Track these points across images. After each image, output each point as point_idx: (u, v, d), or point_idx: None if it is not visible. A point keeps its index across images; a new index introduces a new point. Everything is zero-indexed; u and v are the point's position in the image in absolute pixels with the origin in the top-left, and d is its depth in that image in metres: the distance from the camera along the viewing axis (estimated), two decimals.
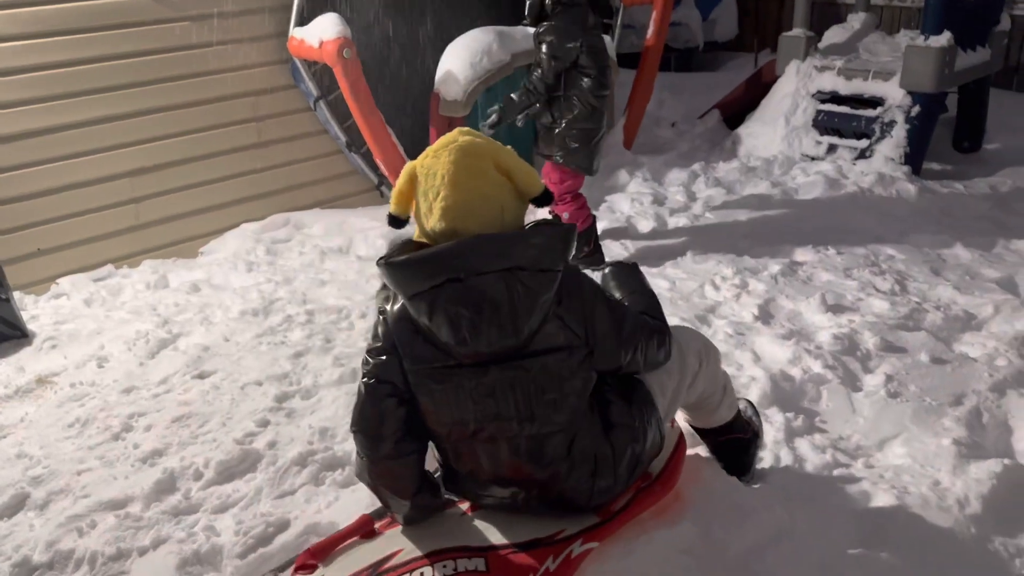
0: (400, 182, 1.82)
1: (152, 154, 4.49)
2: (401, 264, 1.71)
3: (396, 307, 1.80)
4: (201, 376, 3.18)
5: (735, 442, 2.29)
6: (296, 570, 1.92)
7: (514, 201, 1.79)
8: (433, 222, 1.74)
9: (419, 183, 1.78)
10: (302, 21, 4.66)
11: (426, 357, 1.77)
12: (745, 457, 2.31)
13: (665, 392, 1.99)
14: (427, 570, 1.82)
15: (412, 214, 1.85)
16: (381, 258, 1.75)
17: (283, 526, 2.28)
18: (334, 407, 2.86)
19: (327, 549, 1.95)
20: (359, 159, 5.06)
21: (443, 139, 1.80)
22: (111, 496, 2.46)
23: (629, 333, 1.86)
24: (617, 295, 2.01)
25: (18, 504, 2.48)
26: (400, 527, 2.00)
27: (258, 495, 2.42)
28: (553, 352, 1.76)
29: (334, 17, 4.41)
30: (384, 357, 1.81)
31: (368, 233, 4.59)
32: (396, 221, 1.86)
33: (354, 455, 1.94)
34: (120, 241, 4.44)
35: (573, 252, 1.79)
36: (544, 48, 3.77)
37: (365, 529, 2.00)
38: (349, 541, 1.98)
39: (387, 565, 1.87)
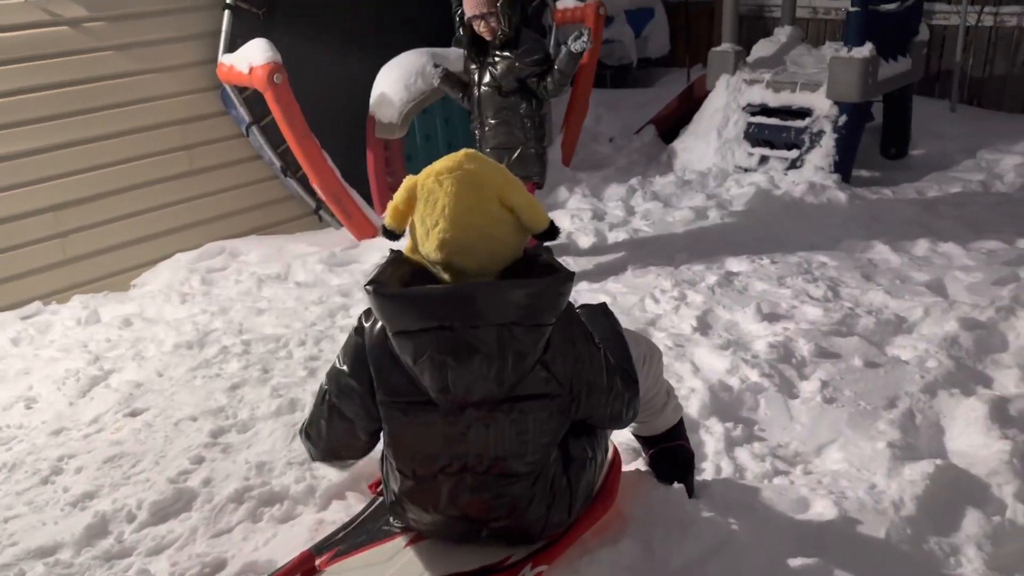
0: (398, 198, 1.75)
1: (78, 186, 4.38)
2: (392, 298, 1.65)
3: (376, 329, 1.74)
4: (133, 414, 3.09)
5: (681, 450, 2.29)
6: None
7: (515, 236, 1.73)
8: (429, 249, 1.69)
9: (418, 204, 1.71)
10: (231, 47, 4.60)
11: (400, 389, 1.72)
12: (690, 473, 2.30)
13: None
14: None
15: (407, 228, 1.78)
16: (369, 282, 1.68)
17: (220, 566, 2.21)
18: (271, 440, 2.79)
19: None
20: (295, 184, 5.01)
21: (448, 161, 1.72)
22: (40, 543, 2.37)
23: (616, 394, 1.84)
24: None
25: None
26: (343, 561, 1.96)
27: (193, 535, 2.35)
28: (535, 399, 1.72)
29: (263, 42, 4.36)
30: (354, 382, 1.77)
31: (307, 259, 4.54)
32: (391, 235, 1.80)
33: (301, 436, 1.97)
34: (48, 277, 4.31)
35: (564, 304, 1.72)
36: (548, 63, 3.77)
37: (306, 567, 1.96)
38: None
39: None
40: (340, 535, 2.09)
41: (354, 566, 1.95)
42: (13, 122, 4.12)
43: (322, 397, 1.87)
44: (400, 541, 1.99)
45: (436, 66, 4.11)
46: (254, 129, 4.77)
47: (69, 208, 4.36)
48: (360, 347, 1.77)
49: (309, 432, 1.94)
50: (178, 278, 4.47)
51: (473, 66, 3.90)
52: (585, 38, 3.66)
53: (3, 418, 3.16)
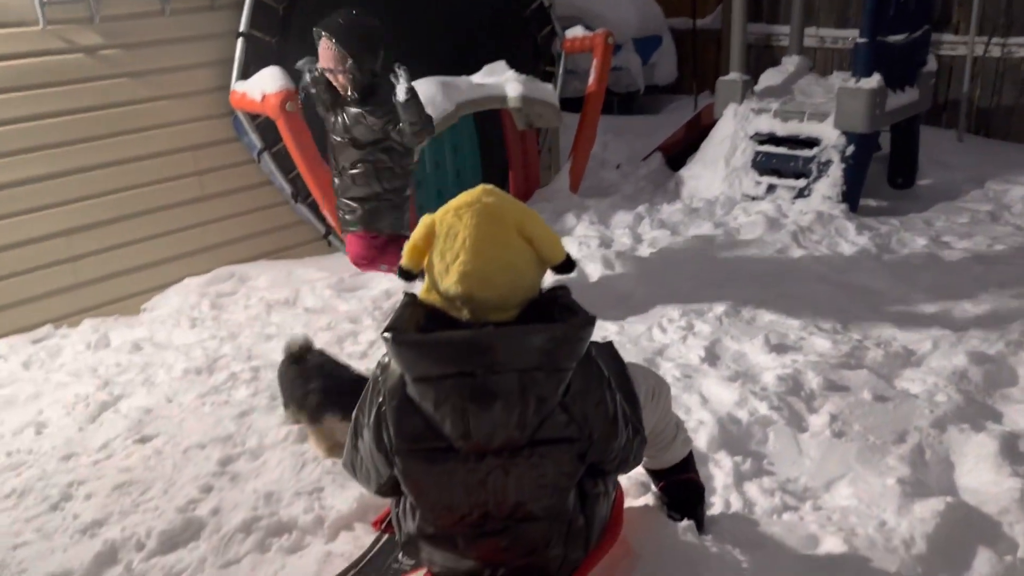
0: (416, 236, 1.75)
1: (90, 211, 4.41)
2: (412, 345, 1.65)
3: (394, 376, 1.72)
4: (143, 440, 3.10)
5: (691, 484, 2.30)
6: None
7: (535, 269, 1.74)
8: (449, 283, 1.69)
9: (436, 240, 1.72)
10: (244, 74, 4.65)
11: (419, 436, 1.71)
12: (700, 507, 2.31)
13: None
14: None
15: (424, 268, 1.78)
16: (387, 329, 1.67)
17: None
18: (279, 469, 2.80)
19: None
20: (305, 209, 5.03)
21: (466, 196, 1.73)
22: (49, 571, 2.38)
23: (626, 440, 1.84)
24: None
25: None
26: None
27: (202, 565, 2.35)
28: (555, 443, 1.72)
29: (276, 70, 4.41)
30: (372, 426, 1.77)
31: (315, 284, 4.56)
32: (407, 275, 1.79)
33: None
34: (59, 300, 4.33)
35: (583, 348, 1.72)
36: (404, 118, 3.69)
37: None
38: None
39: None
40: (350, 574, 2.08)
41: None
42: (27, 147, 4.16)
43: (352, 441, 1.88)
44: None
45: (309, 71, 3.85)
46: (265, 155, 4.81)
47: (80, 232, 4.39)
48: (377, 394, 1.77)
49: (349, 467, 1.95)
50: (188, 303, 4.48)
51: (329, 115, 3.89)
52: (402, 81, 3.61)
53: (13, 443, 3.17)
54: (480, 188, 1.76)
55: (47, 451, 3.09)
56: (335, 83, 3.75)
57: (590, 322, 1.69)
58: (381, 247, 3.97)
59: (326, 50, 3.67)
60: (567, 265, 1.78)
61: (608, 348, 2.07)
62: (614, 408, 1.79)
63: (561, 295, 1.76)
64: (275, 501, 2.61)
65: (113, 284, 4.48)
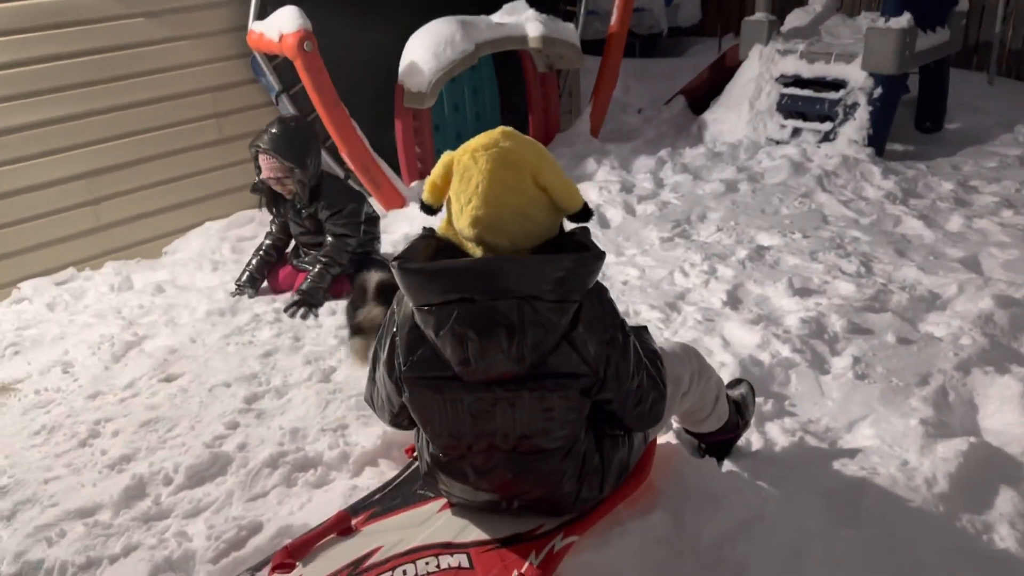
0: (435, 173, 1.76)
1: (110, 154, 4.41)
2: (414, 272, 1.66)
3: (407, 306, 1.75)
4: (168, 379, 3.14)
5: (718, 444, 2.37)
6: (273, 569, 1.89)
7: (549, 216, 1.72)
8: (463, 226, 1.69)
9: (453, 180, 1.72)
10: (261, 14, 4.59)
11: (428, 365, 1.73)
12: (728, 449, 2.38)
13: None
14: (409, 567, 1.82)
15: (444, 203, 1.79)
16: (395, 257, 1.69)
17: (256, 529, 2.25)
18: (304, 407, 2.83)
19: (305, 547, 1.94)
20: (324, 153, 5.01)
21: (485, 138, 1.71)
22: (79, 504, 2.42)
23: (640, 388, 1.82)
24: None
25: None
26: (378, 522, 2.00)
27: (229, 499, 2.39)
28: (560, 378, 1.71)
29: (294, 10, 4.35)
30: (385, 355, 1.82)
31: None
32: (428, 209, 1.80)
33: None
34: (81, 243, 4.36)
35: (593, 281, 1.71)
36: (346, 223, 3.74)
37: (342, 526, 2.00)
38: (326, 539, 1.97)
39: (368, 563, 1.87)
40: (376, 497, 2.13)
41: (389, 527, 1.99)
42: (44, 89, 4.15)
43: (370, 373, 1.93)
44: (434, 506, 2.02)
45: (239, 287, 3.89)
46: (283, 97, 4.77)
47: (101, 176, 4.40)
48: (391, 324, 1.80)
49: (368, 400, 2.00)
50: (209, 246, 4.51)
51: (281, 217, 3.91)
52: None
53: (41, 382, 3.22)
54: (499, 130, 1.74)
55: (74, 390, 3.13)
56: (283, 191, 3.76)
57: (598, 256, 1.68)
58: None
59: (269, 163, 3.67)
60: (584, 214, 1.76)
61: (641, 330, 2.04)
62: (626, 349, 1.78)
63: (578, 234, 1.75)
64: (300, 437, 2.64)
65: (135, 227, 4.51)
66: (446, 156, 1.75)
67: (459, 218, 1.70)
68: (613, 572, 1.85)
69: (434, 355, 1.72)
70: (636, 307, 3.38)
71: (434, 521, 1.97)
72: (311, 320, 3.56)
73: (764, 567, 1.92)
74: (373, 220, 3.97)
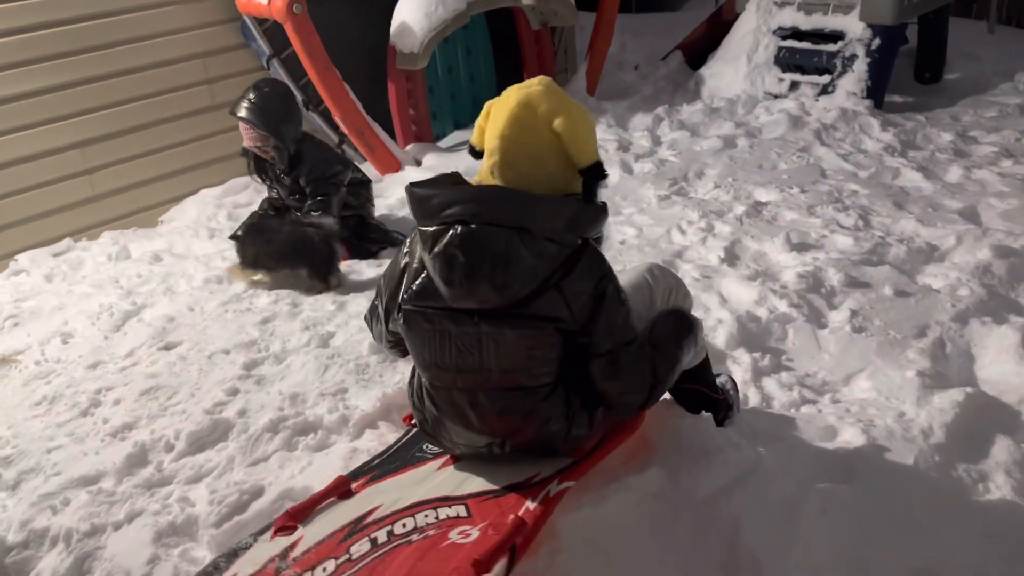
0: (480, 117, 1.85)
1: (102, 123, 4.38)
2: (420, 191, 1.75)
3: (416, 240, 1.84)
4: (167, 347, 3.14)
5: (698, 394, 2.23)
6: (276, 532, 1.92)
7: (561, 166, 1.77)
8: (486, 162, 1.80)
9: (488, 119, 1.82)
10: None
11: (422, 293, 1.79)
12: (715, 411, 2.26)
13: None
14: (408, 520, 1.85)
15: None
16: (412, 183, 1.78)
17: (257, 493, 2.27)
18: (303, 372, 2.84)
19: (306, 510, 1.97)
20: (317, 117, 4.97)
21: (522, 84, 1.80)
22: (83, 472, 2.44)
23: (623, 358, 1.81)
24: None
25: None
26: (377, 484, 2.02)
27: (231, 464, 2.41)
28: (544, 320, 1.74)
29: None
30: (395, 278, 1.89)
31: None
32: (475, 153, 1.87)
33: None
34: (77, 213, 4.35)
35: (592, 232, 1.76)
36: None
37: (341, 490, 2.03)
38: (327, 502, 2.00)
39: (367, 520, 1.89)
40: (376, 462, 2.15)
41: (388, 488, 2.01)
42: (34, 58, 4.11)
43: (375, 297, 2.01)
44: (433, 465, 2.04)
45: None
46: (275, 62, 4.73)
47: (94, 144, 4.37)
48: (402, 254, 1.89)
49: (367, 317, 2.09)
50: (205, 214, 4.49)
51: (266, 181, 3.91)
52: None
53: (41, 353, 3.23)
54: (539, 78, 1.82)
55: (74, 360, 3.14)
56: (265, 157, 3.76)
57: (601, 209, 1.75)
58: None
59: (247, 131, 3.67)
60: (595, 171, 1.79)
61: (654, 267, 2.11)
62: (619, 305, 1.79)
63: (591, 186, 1.80)
64: (300, 402, 2.66)
65: (130, 196, 4.50)
66: (489, 101, 1.85)
67: (486, 157, 1.80)
68: (610, 527, 1.86)
69: (431, 286, 1.78)
70: (633, 266, 3.37)
71: (433, 478, 1.99)
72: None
73: (760, 520, 1.93)
74: (365, 184, 3.95)
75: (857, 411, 2.39)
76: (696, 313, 2.36)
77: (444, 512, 1.85)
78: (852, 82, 5.14)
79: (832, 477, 2.09)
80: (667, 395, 2.31)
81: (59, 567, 2.08)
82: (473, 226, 1.68)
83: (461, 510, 1.85)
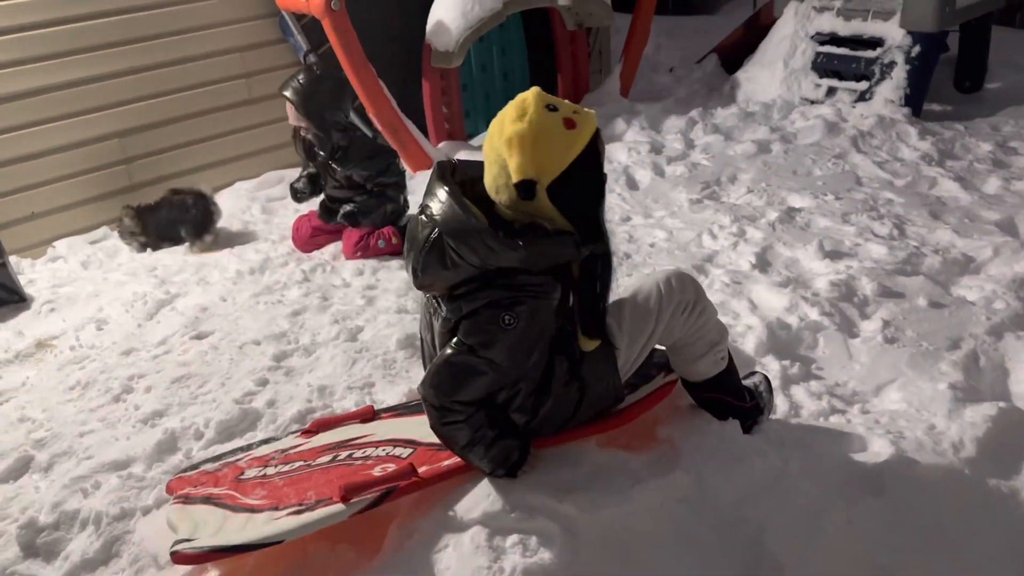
0: None
1: (141, 114, 4.44)
2: (434, 170, 1.86)
3: None
4: (199, 337, 3.19)
5: (718, 403, 2.19)
6: (302, 433, 2.32)
7: (500, 177, 1.78)
8: None
9: None
10: None
11: None
12: (739, 418, 2.21)
13: (627, 333, 2.00)
14: (370, 449, 2.12)
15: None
16: (440, 161, 1.91)
17: None
18: (332, 365, 2.86)
19: (328, 424, 2.33)
20: (352, 112, 5.00)
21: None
22: (113, 457, 2.48)
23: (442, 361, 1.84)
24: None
25: (22, 467, 2.51)
26: (400, 418, 2.28)
27: None
28: (446, 320, 1.84)
29: None
30: None
31: None
32: None
33: None
34: (114, 202, 4.41)
35: (494, 260, 1.75)
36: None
37: (365, 416, 2.34)
38: (348, 424, 2.32)
39: (351, 442, 2.20)
40: (412, 403, 2.38)
41: (393, 424, 2.23)
42: (78, 48, 4.18)
43: None
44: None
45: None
46: (312, 57, 4.76)
47: (133, 135, 4.44)
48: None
49: None
50: (239, 207, 4.54)
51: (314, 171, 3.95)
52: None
53: (75, 338, 3.29)
54: (532, 88, 1.81)
55: (108, 346, 3.20)
56: (312, 139, 3.80)
57: (504, 243, 1.73)
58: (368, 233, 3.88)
59: (291, 111, 3.71)
60: (522, 188, 1.75)
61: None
62: (480, 326, 1.81)
63: (566, 206, 1.80)
64: (328, 394, 2.68)
65: (166, 186, 4.53)
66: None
67: None
68: (631, 527, 1.86)
69: None
70: (657, 270, 3.35)
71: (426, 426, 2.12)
72: (338, 282, 3.58)
73: (784, 528, 1.92)
74: (401, 173, 4.00)
75: (887, 422, 2.36)
76: (725, 319, 2.35)
77: (395, 451, 2.06)
78: (890, 89, 5.08)
79: (859, 488, 2.06)
80: (692, 400, 2.30)
81: (88, 549, 2.12)
82: (421, 217, 1.81)
83: (406, 452, 2.04)
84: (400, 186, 3.95)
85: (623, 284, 2.17)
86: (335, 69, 3.88)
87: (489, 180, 1.82)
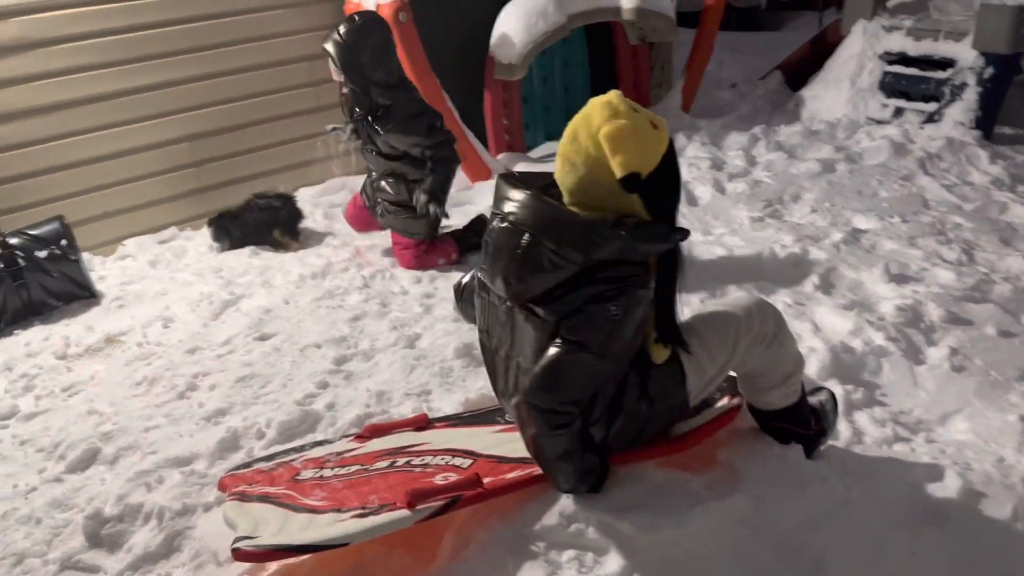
0: None
1: (211, 118, 4.55)
2: (501, 181, 1.90)
3: None
4: (263, 338, 3.25)
5: (785, 432, 2.17)
6: (355, 438, 2.36)
7: (592, 171, 1.80)
8: None
9: None
10: None
11: (483, 267, 1.97)
12: (804, 444, 2.20)
13: (701, 357, 1.98)
14: (429, 458, 2.12)
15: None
16: (503, 173, 1.96)
17: None
18: (390, 371, 2.90)
19: (383, 430, 2.36)
20: None
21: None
22: (177, 453, 2.54)
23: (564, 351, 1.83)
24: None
25: (90, 458, 2.58)
26: (454, 429, 2.30)
27: None
28: (544, 321, 1.83)
29: None
30: None
31: None
32: None
33: None
34: (183, 204, 4.53)
35: (599, 252, 1.77)
36: None
37: (419, 423, 2.37)
38: (402, 431, 2.34)
39: (407, 449, 2.21)
40: (465, 414, 2.40)
41: (449, 434, 2.28)
42: (151, 54, 4.30)
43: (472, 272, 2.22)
44: (496, 428, 2.25)
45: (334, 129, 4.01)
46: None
47: (203, 139, 4.55)
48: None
49: (455, 289, 2.42)
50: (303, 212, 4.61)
51: (352, 124, 3.77)
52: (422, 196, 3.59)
53: (143, 335, 3.38)
54: (611, 92, 1.87)
55: (174, 344, 3.28)
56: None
57: (616, 235, 1.77)
58: (426, 248, 3.80)
59: (331, 64, 3.59)
60: (630, 183, 1.78)
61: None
62: (591, 323, 1.81)
63: (652, 204, 1.84)
64: (386, 400, 2.71)
65: (233, 190, 4.64)
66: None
67: None
68: (688, 549, 1.85)
69: None
70: (724, 289, 3.33)
71: (485, 438, 2.19)
72: (396, 289, 3.62)
73: (845, 557, 1.89)
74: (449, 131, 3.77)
75: (953, 453, 2.31)
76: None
77: (455, 460, 2.06)
78: (960, 111, 4.97)
79: (923, 519, 2.02)
80: (753, 422, 2.27)
81: (151, 542, 2.17)
82: (505, 224, 1.83)
83: (466, 462, 2.04)
84: (453, 141, 3.73)
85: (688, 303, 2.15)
86: (379, 23, 3.63)
87: (571, 181, 1.84)
